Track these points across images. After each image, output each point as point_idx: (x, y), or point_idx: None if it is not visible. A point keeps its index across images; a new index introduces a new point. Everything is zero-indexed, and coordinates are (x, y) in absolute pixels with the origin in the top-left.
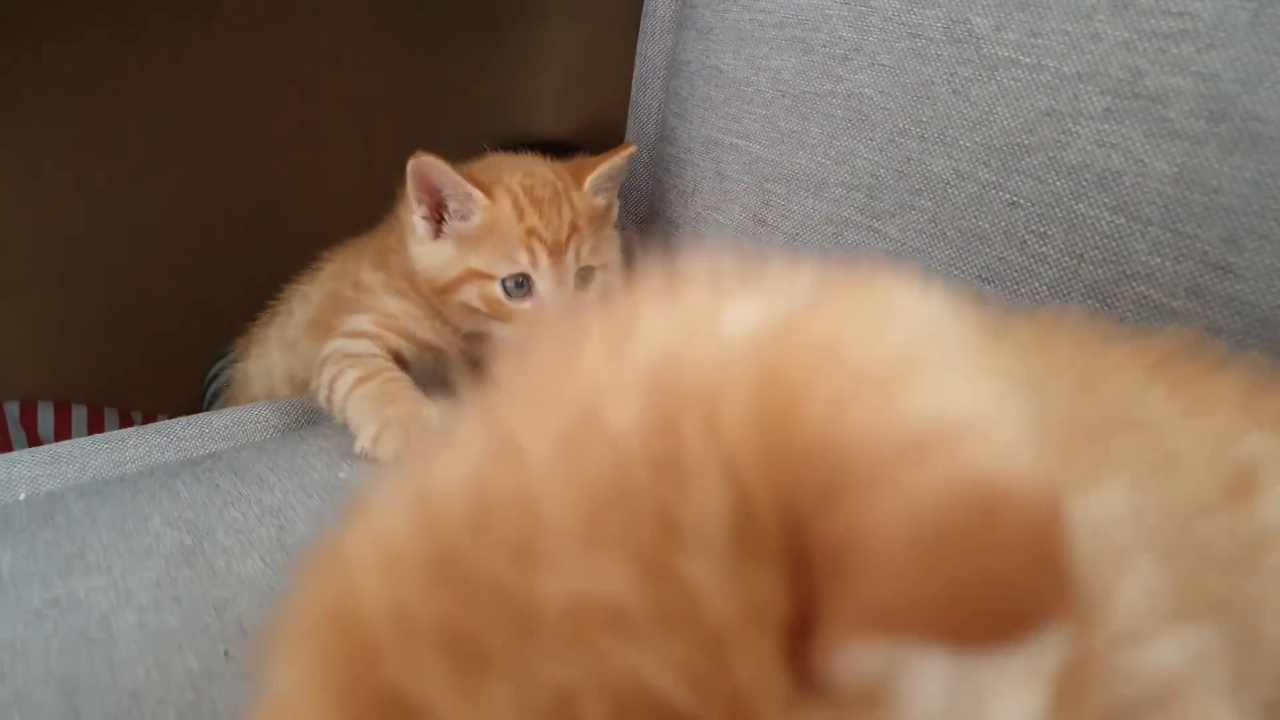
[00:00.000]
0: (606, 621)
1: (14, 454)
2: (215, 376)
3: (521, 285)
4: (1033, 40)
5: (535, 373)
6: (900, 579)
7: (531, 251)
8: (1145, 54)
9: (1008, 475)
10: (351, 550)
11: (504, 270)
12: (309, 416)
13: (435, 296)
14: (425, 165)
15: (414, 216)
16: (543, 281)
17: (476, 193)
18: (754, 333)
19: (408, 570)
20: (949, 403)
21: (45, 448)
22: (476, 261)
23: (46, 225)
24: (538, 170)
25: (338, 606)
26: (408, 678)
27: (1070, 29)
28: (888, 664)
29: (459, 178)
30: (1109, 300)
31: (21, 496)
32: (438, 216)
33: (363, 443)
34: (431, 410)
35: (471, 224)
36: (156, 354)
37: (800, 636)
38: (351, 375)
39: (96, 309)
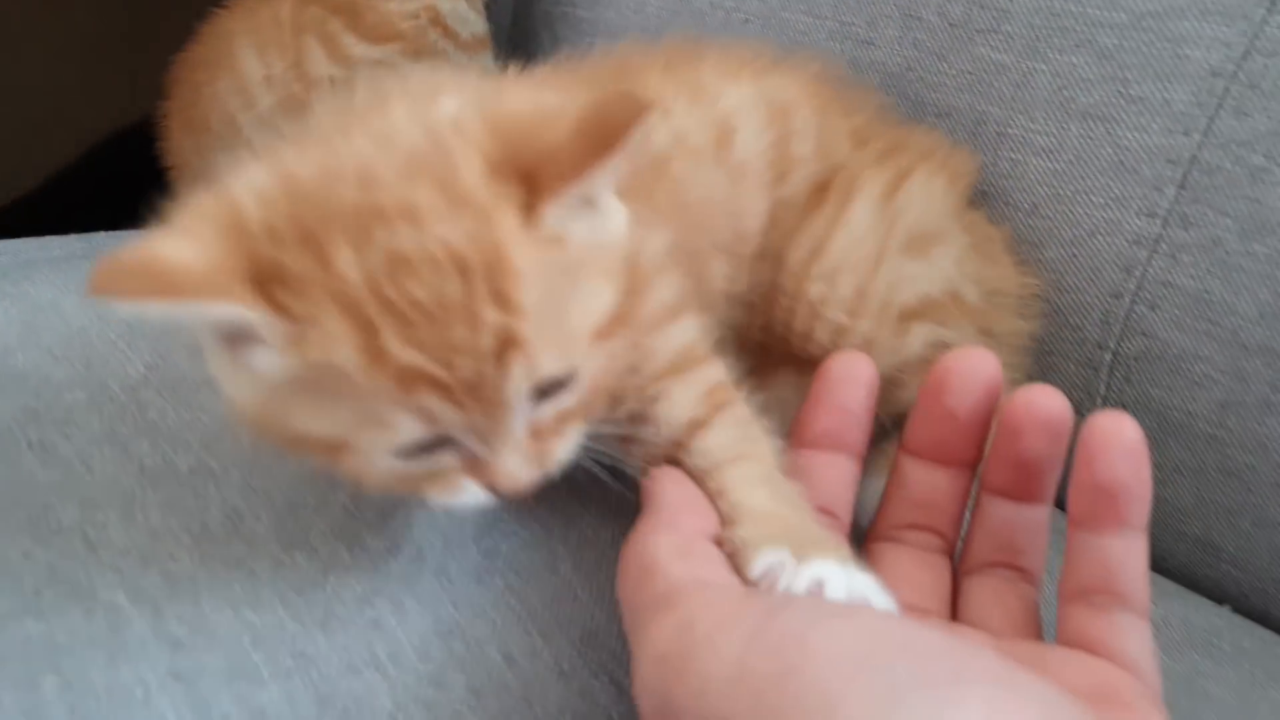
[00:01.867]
0: (425, 211)
1: None
2: None
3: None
4: None
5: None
6: (555, 163)
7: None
8: None
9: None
10: (233, 191)
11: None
12: None
13: None
14: None
15: None
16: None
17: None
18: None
19: (274, 198)
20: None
21: None
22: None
23: None
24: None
25: (223, 209)
26: (274, 245)
27: None
28: (561, 220)
29: None
30: None
31: None
32: None
33: None
34: None
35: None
36: None
37: (528, 210)
38: None
39: None
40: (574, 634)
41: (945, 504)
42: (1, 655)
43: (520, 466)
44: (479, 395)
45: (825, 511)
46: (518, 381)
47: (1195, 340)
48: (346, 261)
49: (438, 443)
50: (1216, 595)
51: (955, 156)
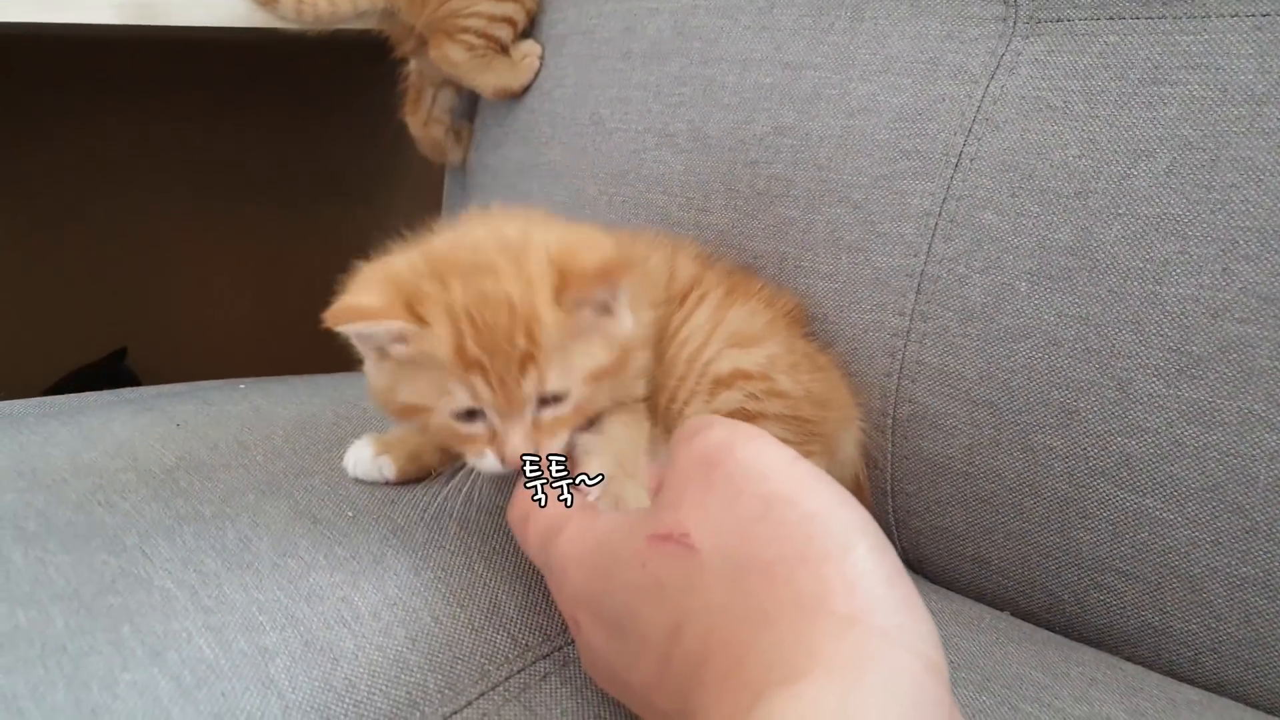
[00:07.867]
0: (502, 273)
1: None
2: None
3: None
4: (624, 112)
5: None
6: (575, 279)
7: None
8: (665, 114)
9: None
10: (391, 261)
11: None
12: None
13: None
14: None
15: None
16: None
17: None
18: (550, 240)
19: (417, 261)
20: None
21: None
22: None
23: None
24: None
25: (385, 270)
26: (417, 281)
27: (642, 103)
28: (573, 307)
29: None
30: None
31: None
32: None
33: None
34: None
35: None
36: None
37: (558, 294)
38: None
39: None
40: (483, 604)
41: None
42: (94, 617)
43: (521, 443)
44: (506, 385)
45: None
46: (529, 385)
47: (943, 401)
48: (456, 290)
49: (475, 414)
50: (998, 604)
51: (780, 294)
